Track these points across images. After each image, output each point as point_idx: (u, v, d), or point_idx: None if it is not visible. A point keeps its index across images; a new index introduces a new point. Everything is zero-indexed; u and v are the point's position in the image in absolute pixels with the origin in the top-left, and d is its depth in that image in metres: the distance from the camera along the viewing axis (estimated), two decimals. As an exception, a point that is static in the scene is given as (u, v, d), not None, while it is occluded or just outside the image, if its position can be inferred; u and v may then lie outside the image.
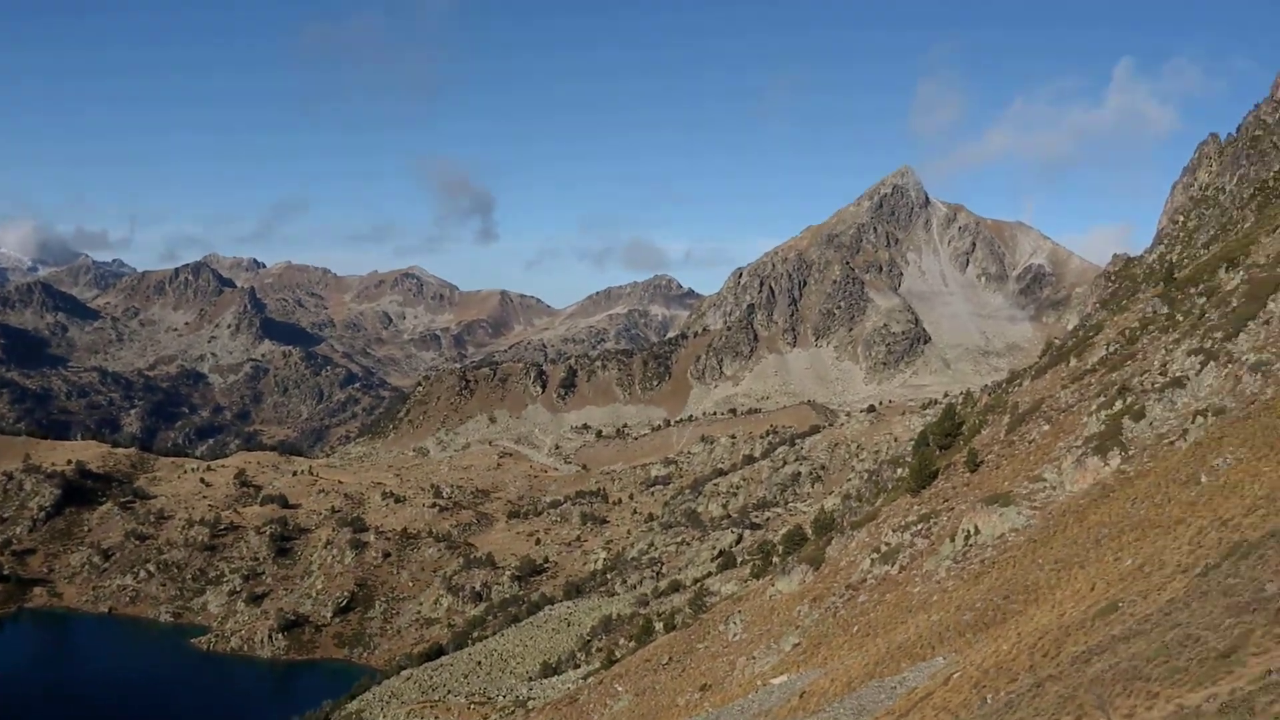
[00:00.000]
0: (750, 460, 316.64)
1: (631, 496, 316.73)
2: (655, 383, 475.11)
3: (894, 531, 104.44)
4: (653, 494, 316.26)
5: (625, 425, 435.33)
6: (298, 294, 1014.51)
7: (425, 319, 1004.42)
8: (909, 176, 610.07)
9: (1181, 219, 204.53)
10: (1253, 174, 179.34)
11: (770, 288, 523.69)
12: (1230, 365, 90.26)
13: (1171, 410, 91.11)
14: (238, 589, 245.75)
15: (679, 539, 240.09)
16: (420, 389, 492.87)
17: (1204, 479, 71.92)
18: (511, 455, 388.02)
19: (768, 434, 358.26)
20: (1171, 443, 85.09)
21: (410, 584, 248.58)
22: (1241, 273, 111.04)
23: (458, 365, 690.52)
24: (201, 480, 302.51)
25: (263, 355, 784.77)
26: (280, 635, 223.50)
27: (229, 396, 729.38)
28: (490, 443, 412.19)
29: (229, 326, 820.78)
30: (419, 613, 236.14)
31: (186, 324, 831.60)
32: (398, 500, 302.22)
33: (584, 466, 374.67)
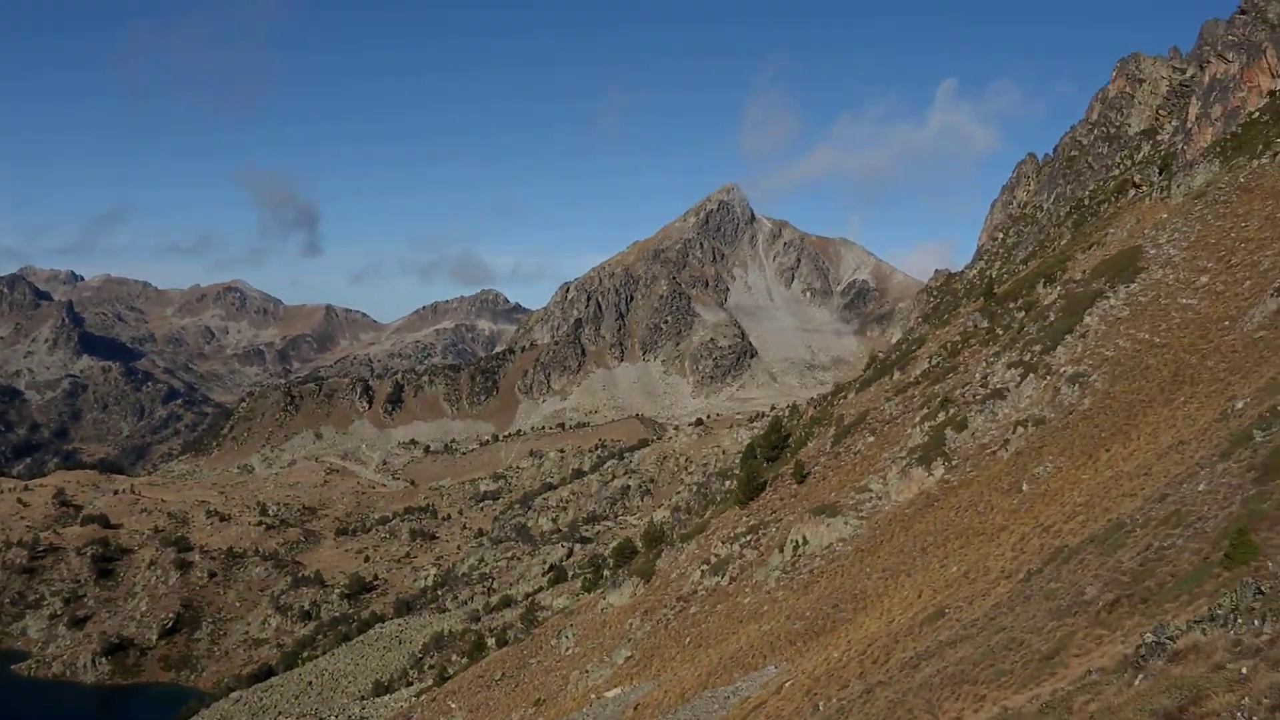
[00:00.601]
0: (579, 474, 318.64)
1: (461, 512, 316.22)
2: (483, 398, 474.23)
3: (723, 543, 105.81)
4: (482, 509, 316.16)
5: (453, 441, 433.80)
6: (118, 308, 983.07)
7: (249, 334, 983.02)
8: (735, 193, 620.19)
9: (1001, 236, 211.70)
10: (1069, 192, 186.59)
11: (598, 302, 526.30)
12: (1049, 377, 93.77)
13: (993, 421, 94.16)
14: (58, 613, 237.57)
15: (509, 554, 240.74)
16: (244, 405, 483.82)
17: (1025, 487, 74.57)
18: (339, 472, 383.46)
19: (597, 448, 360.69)
20: (993, 452, 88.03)
21: (238, 604, 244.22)
22: (1059, 288, 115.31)
23: (283, 381, 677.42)
24: (19, 500, 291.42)
25: (81, 371, 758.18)
26: (104, 659, 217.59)
27: (46, 413, 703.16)
28: (317, 459, 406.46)
29: (46, 341, 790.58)
30: (247, 633, 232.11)
31: (1, 339, 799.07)
32: (223, 519, 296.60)
33: (412, 482, 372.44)
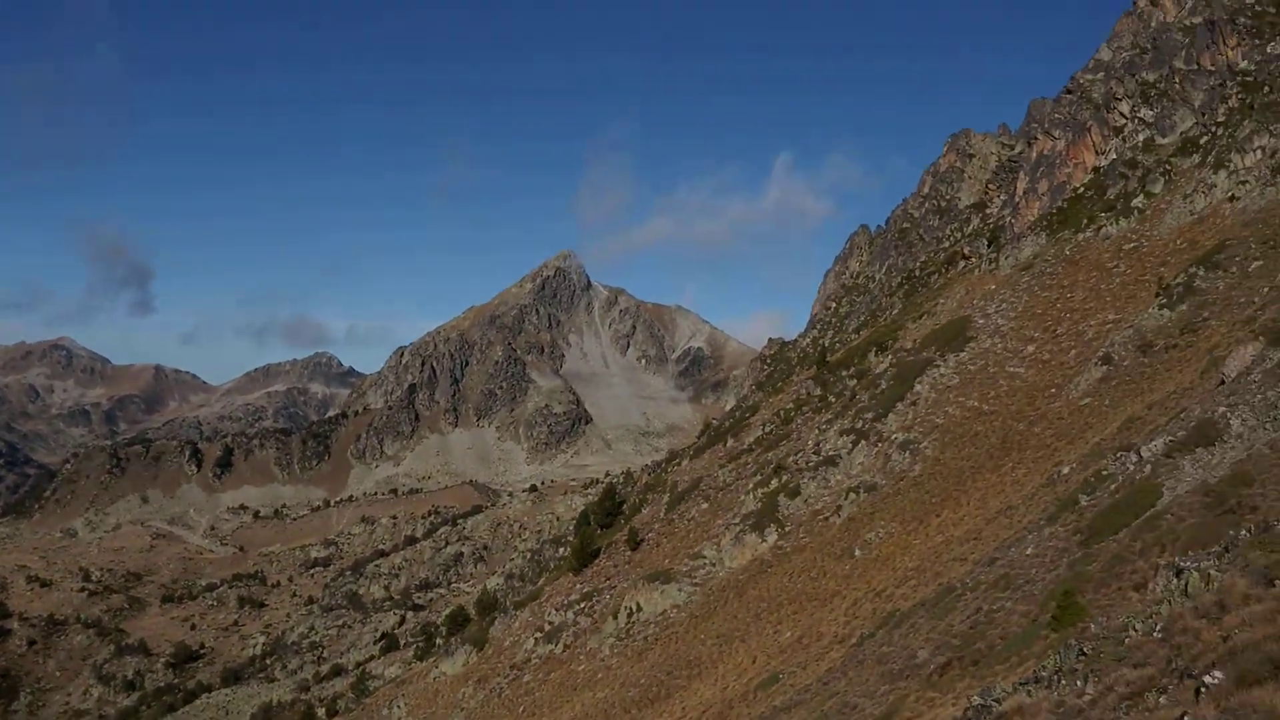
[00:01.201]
0: (412, 541, 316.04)
1: (291, 579, 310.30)
2: (315, 462, 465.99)
3: (557, 610, 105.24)
4: (312, 576, 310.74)
5: (284, 505, 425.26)
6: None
7: (75, 393, 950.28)
8: (572, 260, 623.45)
9: (834, 305, 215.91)
10: (900, 264, 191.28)
11: (432, 367, 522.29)
12: (880, 444, 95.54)
13: (825, 487, 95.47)
14: None
15: (340, 622, 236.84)
16: (69, 467, 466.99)
17: (857, 553, 75.60)
18: (165, 537, 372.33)
19: (430, 514, 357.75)
20: (826, 518, 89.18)
21: (58, 673, 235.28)
22: (890, 356, 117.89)
23: (109, 442, 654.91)
24: None
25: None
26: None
27: None
28: (143, 524, 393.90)
29: None
30: (68, 704, 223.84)
31: None
32: (44, 584, 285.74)
33: (241, 548, 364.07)
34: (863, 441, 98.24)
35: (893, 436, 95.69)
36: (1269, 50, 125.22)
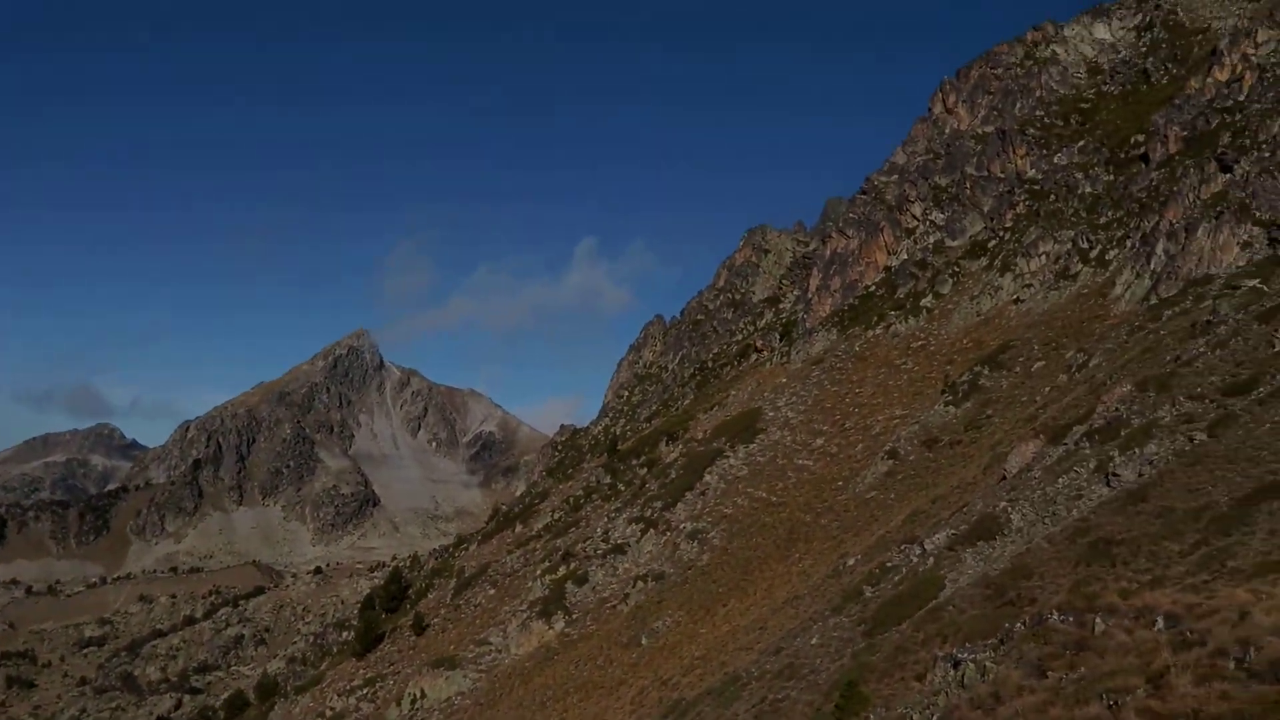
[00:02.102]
0: (191, 621, 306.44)
1: (63, 659, 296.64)
2: (93, 537, 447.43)
3: (339, 696, 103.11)
4: (86, 656, 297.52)
5: (58, 581, 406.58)
6: None
7: None
8: (365, 339, 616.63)
9: (627, 394, 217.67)
10: (694, 355, 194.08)
11: (218, 443, 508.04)
12: (669, 533, 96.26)
13: (613, 575, 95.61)
14: None
15: (114, 704, 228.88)
16: None
17: (644, 641, 75.71)
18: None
19: (210, 594, 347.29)
20: (614, 606, 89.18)
21: None
22: (681, 446, 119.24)
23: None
24: None
25: None
26: None
27: None
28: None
29: None
30: None
31: None
32: None
33: (11, 625, 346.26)
34: (652, 530, 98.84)
35: (682, 526, 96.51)
36: (1055, 160, 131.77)
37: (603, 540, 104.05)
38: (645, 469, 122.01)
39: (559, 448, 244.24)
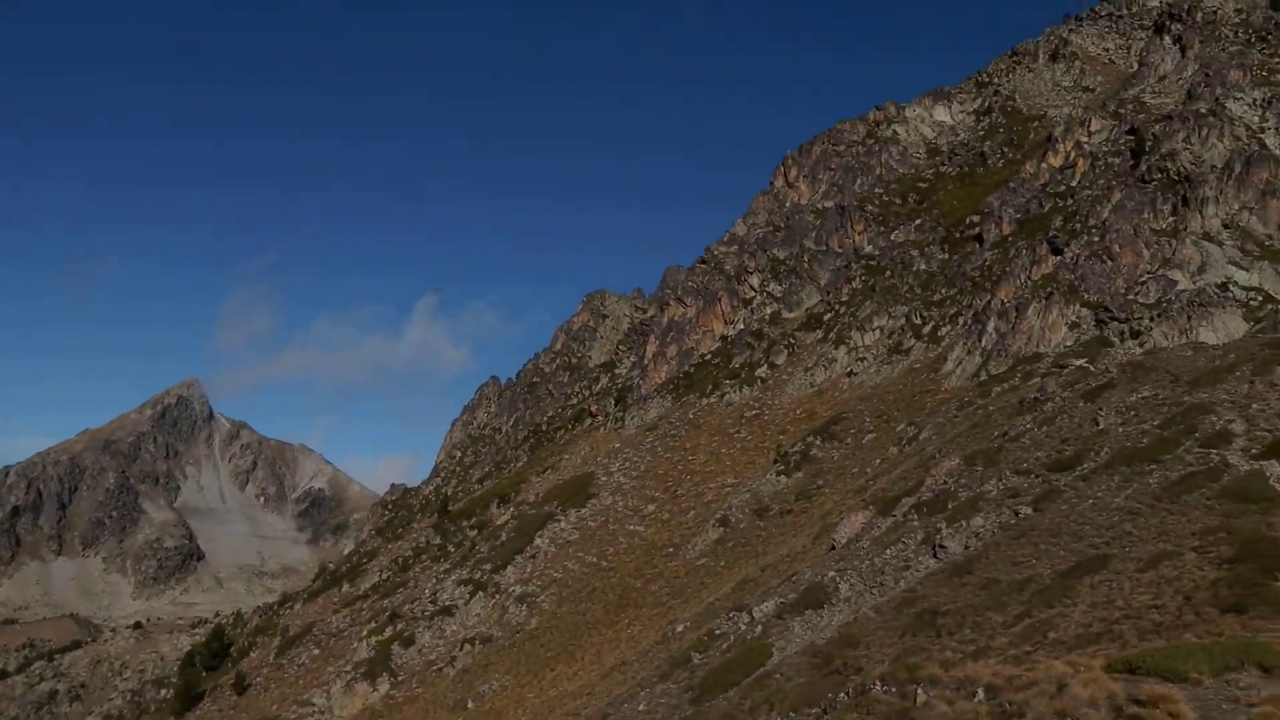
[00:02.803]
0: (3, 675, 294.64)
1: None
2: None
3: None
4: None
5: None
6: None
7: None
8: (195, 389, 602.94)
9: (460, 454, 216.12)
10: (528, 417, 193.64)
11: (39, 490, 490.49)
12: (498, 596, 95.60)
13: (441, 638, 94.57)
14: None
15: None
16: None
17: (470, 705, 74.91)
18: None
19: (24, 647, 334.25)
20: (440, 669, 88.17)
21: None
22: (512, 509, 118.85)
23: None
24: None
25: None
26: None
27: None
28: None
29: None
30: None
31: None
32: None
33: None
34: (480, 592, 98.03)
35: (511, 589, 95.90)
36: (892, 238, 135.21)
37: (431, 602, 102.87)
38: (476, 531, 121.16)
39: (389, 507, 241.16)
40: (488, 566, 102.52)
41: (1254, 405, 56.31)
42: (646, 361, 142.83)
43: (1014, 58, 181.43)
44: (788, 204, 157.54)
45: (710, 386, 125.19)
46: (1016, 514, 52.36)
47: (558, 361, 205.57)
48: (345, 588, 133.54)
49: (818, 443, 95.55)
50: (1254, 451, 50.08)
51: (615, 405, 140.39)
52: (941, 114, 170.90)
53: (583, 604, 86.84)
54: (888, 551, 54.82)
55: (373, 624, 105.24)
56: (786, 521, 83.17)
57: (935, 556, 52.25)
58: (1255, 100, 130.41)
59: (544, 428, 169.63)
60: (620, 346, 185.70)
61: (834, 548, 63.25)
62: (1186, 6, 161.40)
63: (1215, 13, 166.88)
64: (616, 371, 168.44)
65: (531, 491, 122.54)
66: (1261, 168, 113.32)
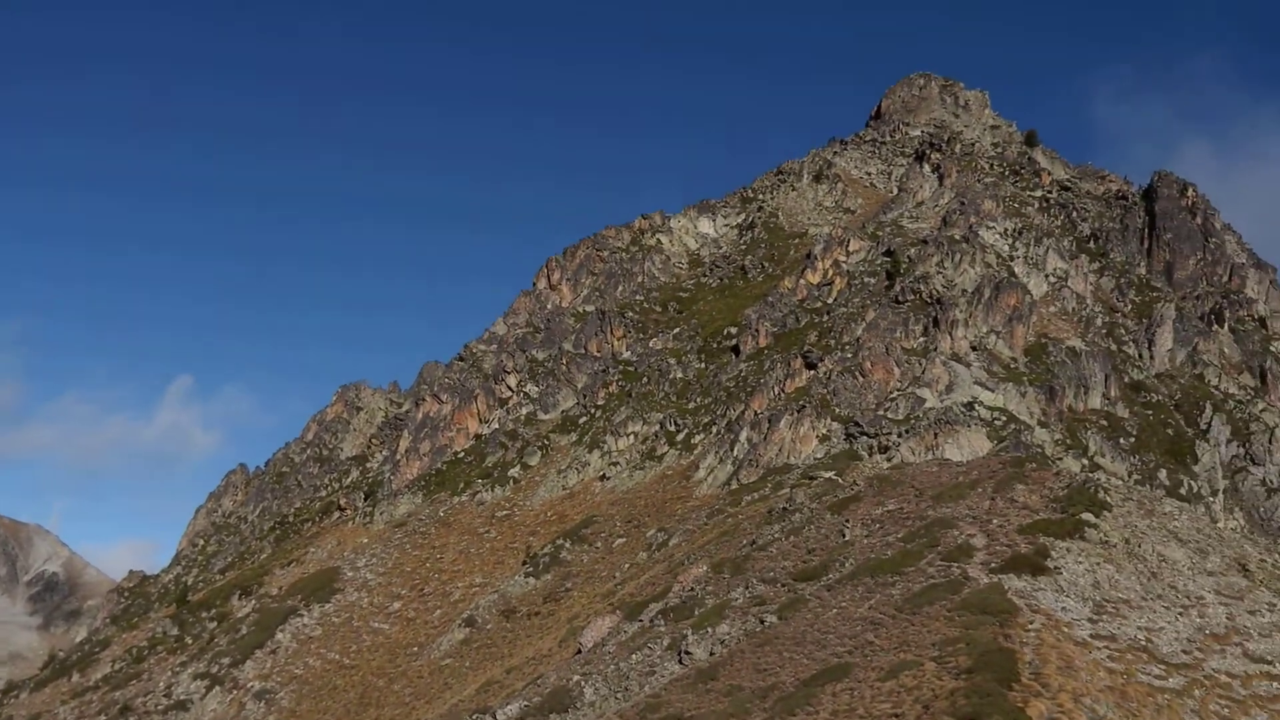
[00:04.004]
0: None
1: None
2: None
3: None
4: None
5: None
6: None
7: None
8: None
9: (202, 543, 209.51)
10: (275, 508, 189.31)
11: None
12: (235, 691, 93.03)
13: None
14: None
15: None
16: None
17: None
18: None
19: None
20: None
21: None
22: (254, 601, 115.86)
23: None
24: None
25: None
26: None
27: None
28: None
29: None
30: None
31: None
32: None
33: None
34: (217, 687, 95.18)
35: (250, 684, 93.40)
36: (651, 345, 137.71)
37: (165, 695, 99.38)
38: (216, 623, 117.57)
39: (126, 594, 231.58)
40: (226, 660, 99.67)
41: (994, 521, 59.08)
42: (399, 456, 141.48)
43: (779, 176, 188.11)
44: (549, 306, 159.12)
45: (462, 485, 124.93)
46: (762, 621, 53.61)
47: (309, 452, 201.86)
48: (75, 677, 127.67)
49: (568, 545, 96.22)
50: (993, 565, 52.55)
51: (365, 500, 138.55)
52: (705, 226, 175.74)
53: (323, 702, 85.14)
54: (634, 656, 55.40)
55: (103, 716, 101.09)
56: (534, 623, 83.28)
57: (681, 662, 53.03)
58: (1006, 230, 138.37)
59: (291, 519, 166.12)
60: (373, 440, 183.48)
61: (580, 651, 63.61)
62: (946, 137, 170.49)
63: (973, 145, 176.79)
64: (368, 465, 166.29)
65: (275, 584, 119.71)
66: (1010, 294, 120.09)
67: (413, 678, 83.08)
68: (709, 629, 54.55)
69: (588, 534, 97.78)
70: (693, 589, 62.68)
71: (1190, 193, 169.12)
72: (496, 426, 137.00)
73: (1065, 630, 45.67)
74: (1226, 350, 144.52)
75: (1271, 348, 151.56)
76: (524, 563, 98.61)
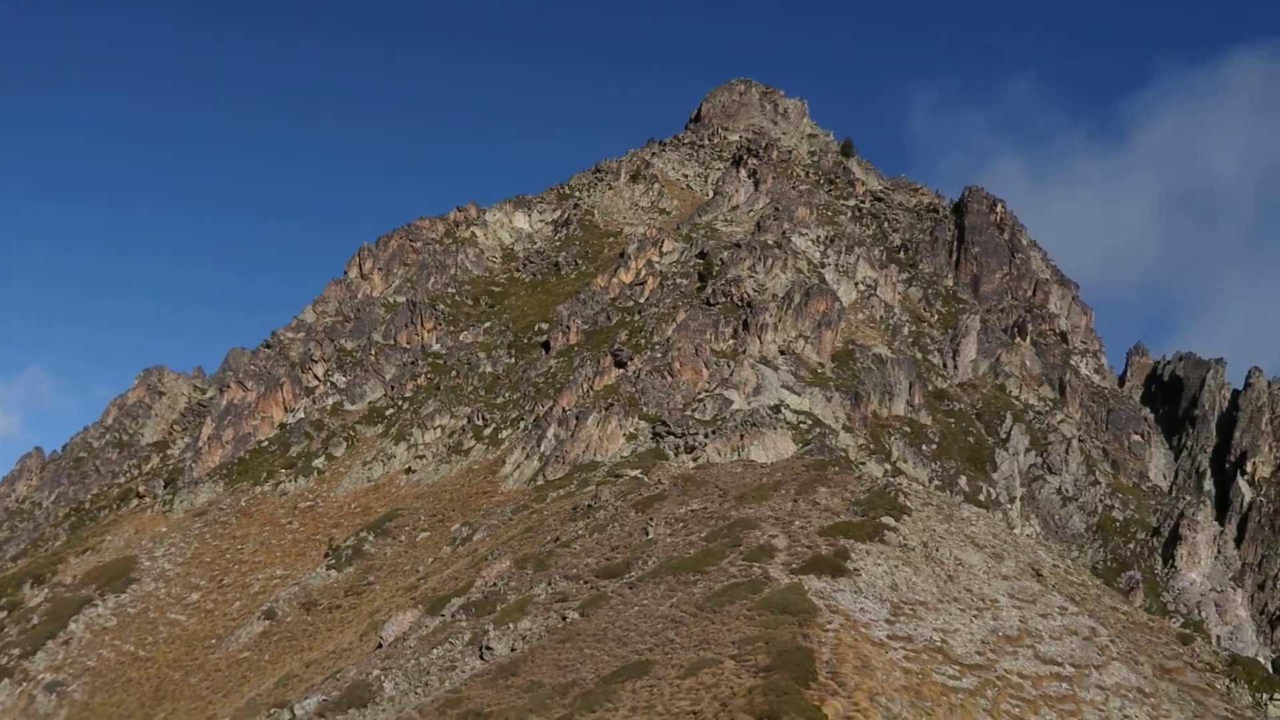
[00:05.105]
0: None
1: None
2: None
3: None
4: None
5: None
6: None
7: None
8: None
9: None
10: (72, 494, 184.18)
11: None
12: (25, 684, 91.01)
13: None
14: None
15: None
16: None
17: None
18: None
19: None
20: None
21: None
22: (46, 590, 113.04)
23: None
24: None
25: None
26: None
27: None
28: None
29: None
30: None
31: None
32: None
33: None
34: (6, 679, 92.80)
35: (40, 676, 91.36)
36: (461, 338, 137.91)
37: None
38: (5, 612, 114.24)
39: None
40: (16, 651, 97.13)
41: (796, 522, 60.96)
42: (201, 444, 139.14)
43: (597, 174, 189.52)
44: (360, 295, 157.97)
45: (265, 474, 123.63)
46: (564, 618, 54.64)
47: (108, 437, 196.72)
48: None
49: (371, 538, 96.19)
50: (794, 566, 54.33)
51: (165, 487, 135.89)
52: (521, 221, 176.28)
53: (117, 695, 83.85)
54: (434, 651, 56.01)
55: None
56: (335, 617, 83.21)
57: (482, 658, 53.80)
58: (819, 237, 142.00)
59: (88, 506, 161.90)
60: (175, 426, 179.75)
61: (381, 646, 63.98)
62: (764, 144, 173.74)
63: (790, 153, 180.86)
64: (169, 452, 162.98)
65: (69, 573, 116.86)
66: (819, 300, 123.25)
67: (210, 671, 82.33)
68: (511, 625, 55.37)
69: (391, 527, 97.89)
70: (495, 584, 63.47)
71: (999, 209, 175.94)
72: (302, 416, 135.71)
73: (863, 630, 47.52)
74: (1028, 362, 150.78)
75: (1071, 361, 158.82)
76: (326, 555, 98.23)
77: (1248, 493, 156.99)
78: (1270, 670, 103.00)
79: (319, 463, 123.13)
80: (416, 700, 51.55)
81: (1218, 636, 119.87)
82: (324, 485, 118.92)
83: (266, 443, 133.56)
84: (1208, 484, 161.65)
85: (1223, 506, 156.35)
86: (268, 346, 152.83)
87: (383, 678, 55.27)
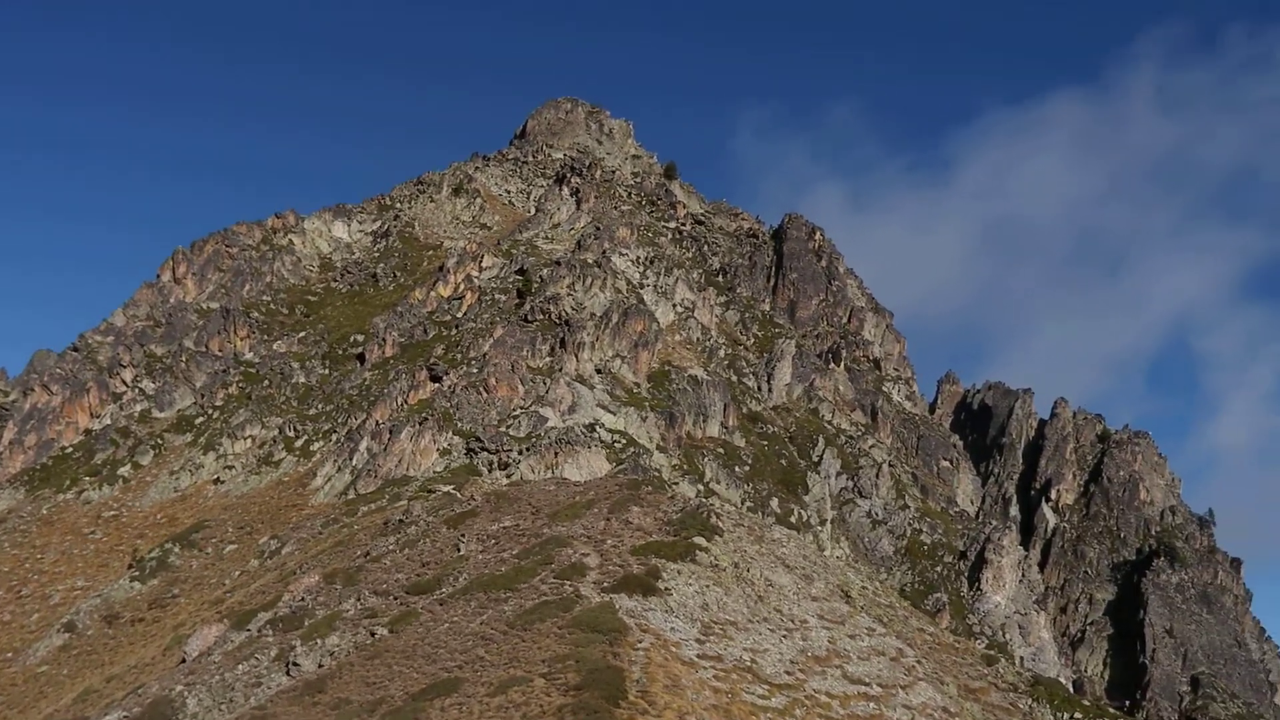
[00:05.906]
0: None
1: None
2: None
3: None
4: None
5: None
6: None
7: None
8: None
9: None
10: None
11: None
12: None
13: None
14: None
15: None
16: None
17: None
18: None
19: None
20: None
21: None
22: None
23: None
24: None
25: None
26: None
27: None
28: None
29: None
30: None
31: None
32: None
33: None
34: None
35: None
36: (274, 347, 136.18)
37: None
38: None
39: None
40: None
41: (609, 541, 61.72)
42: (1, 449, 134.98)
43: (419, 186, 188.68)
44: (172, 300, 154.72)
45: (69, 482, 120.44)
46: (373, 634, 54.54)
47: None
48: None
49: (177, 549, 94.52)
50: (606, 585, 55.03)
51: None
52: (340, 230, 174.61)
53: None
54: (240, 667, 55.43)
55: None
56: (138, 630, 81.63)
57: (288, 674, 53.38)
58: (639, 258, 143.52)
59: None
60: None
61: (185, 660, 63.07)
62: (588, 163, 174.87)
63: (614, 173, 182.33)
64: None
65: None
66: (637, 320, 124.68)
67: (5, 686, 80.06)
68: (318, 640, 55.08)
69: (198, 539, 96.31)
70: (303, 599, 63.01)
71: (818, 236, 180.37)
72: (109, 422, 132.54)
73: (673, 650, 48.39)
74: (841, 388, 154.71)
75: (883, 388, 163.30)
76: (130, 566, 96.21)
77: (1052, 519, 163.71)
78: (1071, 690, 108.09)
79: (125, 471, 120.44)
80: (221, 717, 51.06)
81: (1021, 658, 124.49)
82: (129, 494, 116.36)
83: (71, 449, 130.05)
84: (1014, 510, 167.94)
85: (1027, 532, 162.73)
86: (75, 350, 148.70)
87: (186, 694, 54.49)
